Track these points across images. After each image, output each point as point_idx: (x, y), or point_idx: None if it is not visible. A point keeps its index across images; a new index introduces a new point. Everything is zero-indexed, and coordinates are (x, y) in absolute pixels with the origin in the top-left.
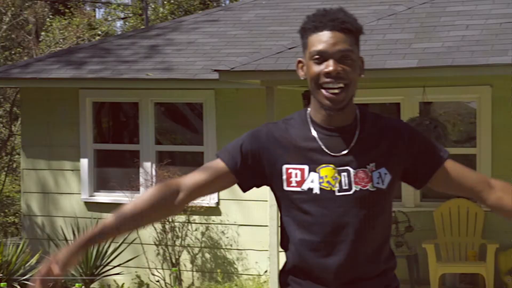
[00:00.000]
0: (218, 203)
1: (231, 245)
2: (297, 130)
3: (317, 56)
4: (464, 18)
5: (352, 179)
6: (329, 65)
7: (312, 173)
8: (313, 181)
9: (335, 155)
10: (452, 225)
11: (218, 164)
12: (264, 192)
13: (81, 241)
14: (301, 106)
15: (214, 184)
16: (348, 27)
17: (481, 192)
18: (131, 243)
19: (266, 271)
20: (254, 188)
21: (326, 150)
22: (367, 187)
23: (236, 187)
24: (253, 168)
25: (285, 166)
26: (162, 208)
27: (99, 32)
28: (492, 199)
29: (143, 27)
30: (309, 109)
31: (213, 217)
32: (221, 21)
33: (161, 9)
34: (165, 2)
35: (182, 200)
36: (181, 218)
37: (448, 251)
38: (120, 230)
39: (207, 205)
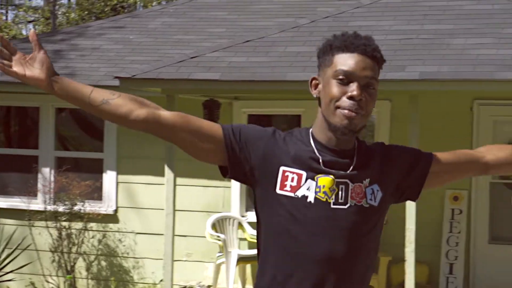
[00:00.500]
0: (116, 211)
1: (127, 253)
2: (299, 142)
3: (342, 77)
4: (365, 33)
5: (349, 193)
6: (354, 89)
7: (309, 181)
8: (309, 189)
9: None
10: None
11: (216, 126)
12: (162, 200)
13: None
14: (202, 115)
15: (197, 135)
16: (377, 56)
17: (476, 162)
18: (25, 249)
19: (161, 280)
20: (156, 195)
21: (324, 167)
22: (361, 203)
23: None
24: (245, 155)
25: (282, 168)
26: (124, 107)
27: (6, 36)
28: (491, 160)
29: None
30: (311, 128)
31: (110, 225)
32: (127, 28)
33: (72, 15)
34: (76, 8)
35: (142, 115)
36: (78, 225)
37: None
38: (91, 95)
39: (104, 212)
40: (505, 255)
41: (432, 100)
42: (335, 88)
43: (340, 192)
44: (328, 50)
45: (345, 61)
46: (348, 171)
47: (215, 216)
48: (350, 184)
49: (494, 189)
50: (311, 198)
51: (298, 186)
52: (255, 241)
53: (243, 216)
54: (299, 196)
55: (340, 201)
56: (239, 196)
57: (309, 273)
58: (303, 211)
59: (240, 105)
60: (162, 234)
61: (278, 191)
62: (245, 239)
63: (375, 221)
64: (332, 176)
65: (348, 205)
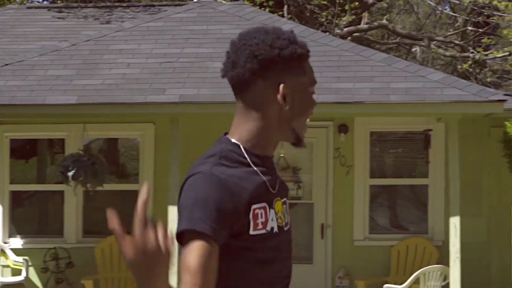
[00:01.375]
0: None
1: None
2: (239, 169)
3: (314, 87)
4: (126, 57)
5: (287, 210)
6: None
7: (271, 210)
8: (273, 219)
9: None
10: (113, 260)
11: (211, 245)
12: None
13: None
14: None
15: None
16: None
17: None
18: None
19: None
20: None
21: (269, 186)
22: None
23: None
24: (228, 227)
25: (253, 207)
26: None
27: None
28: None
29: None
30: (239, 144)
31: None
32: None
33: None
34: None
35: None
36: None
37: (108, 286)
38: None
39: None
40: None
41: (195, 122)
42: (312, 98)
43: (285, 213)
44: (294, 56)
45: (311, 70)
46: (280, 188)
47: None
48: (287, 201)
49: None
50: (276, 229)
51: (267, 220)
52: (19, 267)
53: (5, 243)
54: (269, 229)
55: (285, 221)
56: (1, 223)
57: None
58: (271, 244)
59: (3, 129)
60: None
61: (251, 232)
62: (8, 266)
63: None
64: (279, 198)
65: (288, 222)
